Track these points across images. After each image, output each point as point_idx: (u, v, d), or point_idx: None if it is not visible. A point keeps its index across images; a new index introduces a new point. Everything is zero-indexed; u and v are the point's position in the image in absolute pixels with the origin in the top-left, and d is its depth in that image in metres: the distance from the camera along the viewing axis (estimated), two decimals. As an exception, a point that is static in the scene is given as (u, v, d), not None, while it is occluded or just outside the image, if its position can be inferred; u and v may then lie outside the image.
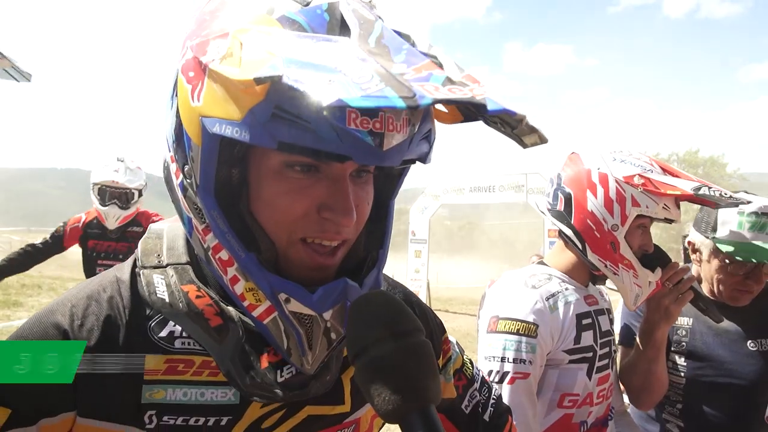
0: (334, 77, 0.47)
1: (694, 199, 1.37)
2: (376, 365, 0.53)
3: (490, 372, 1.40)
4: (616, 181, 1.41)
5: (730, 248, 1.63)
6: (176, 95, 0.63)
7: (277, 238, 0.64)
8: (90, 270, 3.58)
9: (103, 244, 3.65)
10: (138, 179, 3.68)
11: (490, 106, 0.45)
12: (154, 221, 4.03)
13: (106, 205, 3.55)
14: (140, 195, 3.68)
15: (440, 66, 0.54)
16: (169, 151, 0.66)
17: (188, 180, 0.63)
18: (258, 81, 0.50)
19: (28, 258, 3.65)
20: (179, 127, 0.62)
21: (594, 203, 1.43)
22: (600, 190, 1.43)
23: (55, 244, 3.67)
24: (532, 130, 0.53)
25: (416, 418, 0.52)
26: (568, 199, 1.49)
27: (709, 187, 1.34)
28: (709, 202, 1.37)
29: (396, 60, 0.52)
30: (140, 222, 3.74)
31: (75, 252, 3.93)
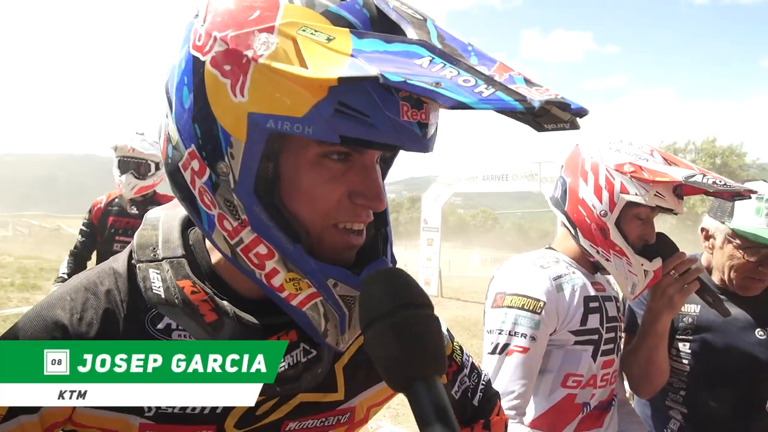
0: (435, 79, 0.49)
1: (692, 189, 1.38)
2: (389, 333, 0.55)
3: (492, 344, 1.43)
4: (606, 169, 1.44)
5: (746, 233, 1.62)
6: (195, 88, 0.61)
7: (312, 225, 0.65)
8: (107, 248, 3.63)
9: (122, 221, 3.73)
10: (156, 151, 3.74)
11: (573, 106, 0.49)
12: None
13: (123, 175, 3.66)
14: (157, 168, 3.75)
15: (507, 67, 0.55)
16: (186, 147, 0.64)
17: (223, 177, 0.62)
18: (342, 80, 0.51)
19: (79, 264, 3.76)
20: (212, 124, 0.61)
21: (585, 191, 1.48)
22: (591, 178, 1.47)
23: (92, 235, 3.76)
24: (571, 121, 0.53)
25: (422, 386, 0.54)
26: (564, 188, 1.55)
27: (704, 175, 1.33)
28: (702, 190, 1.37)
29: (472, 62, 0.54)
30: (160, 203, 3.79)
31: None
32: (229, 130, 0.60)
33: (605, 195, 1.44)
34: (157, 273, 0.70)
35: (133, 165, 3.68)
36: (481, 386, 1.05)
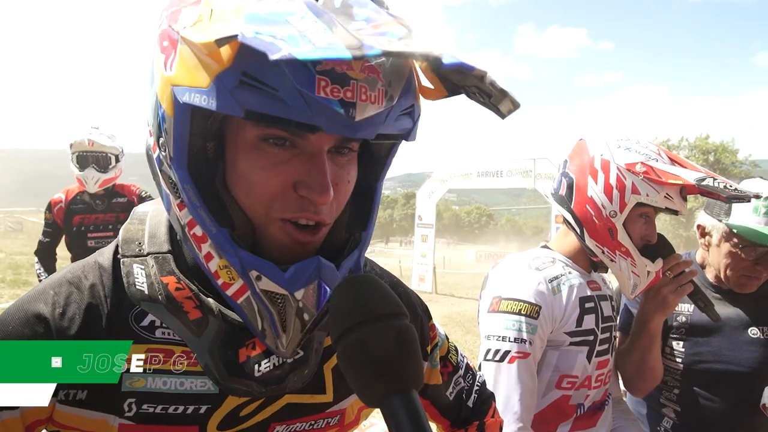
0: (286, 32, 0.45)
1: (698, 190, 1.36)
2: (357, 348, 0.52)
3: (491, 351, 1.41)
4: (618, 168, 1.41)
5: (744, 231, 1.62)
6: (150, 66, 0.62)
7: (254, 214, 0.62)
8: (80, 245, 3.65)
9: (90, 217, 3.73)
10: (113, 143, 3.78)
11: (445, 60, 0.44)
12: (134, 191, 3.84)
13: (84, 170, 3.65)
14: (117, 161, 3.77)
15: (407, 27, 0.51)
16: (148, 125, 0.65)
17: (163, 153, 0.62)
18: (218, 43, 0.48)
19: (48, 257, 3.79)
20: (155, 99, 0.61)
21: (594, 189, 1.44)
22: (601, 177, 1.43)
23: (56, 230, 3.77)
24: (502, 93, 0.51)
25: (397, 402, 0.51)
26: (570, 185, 1.50)
27: (714, 179, 1.32)
28: (713, 194, 1.35)
29: (357, 17, 0.51)
30: (123, 194, 3.86)
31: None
32: (163, 105, 0.59)
33: (616, 195, 1.40)
34: (141, 268, 0.69)
35: (93, 159, 3.68)
36: (476, 387, 1.04)
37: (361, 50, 0.42)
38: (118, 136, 3.93)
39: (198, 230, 0.62)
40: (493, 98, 0.52)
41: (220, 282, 0.64)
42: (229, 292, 0.63)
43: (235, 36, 0.46)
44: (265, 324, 0.64)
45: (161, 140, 0.61)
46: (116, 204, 3.82)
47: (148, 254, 0.71)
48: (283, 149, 0.59)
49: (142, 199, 3.81)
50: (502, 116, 0.54)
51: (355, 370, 0.53)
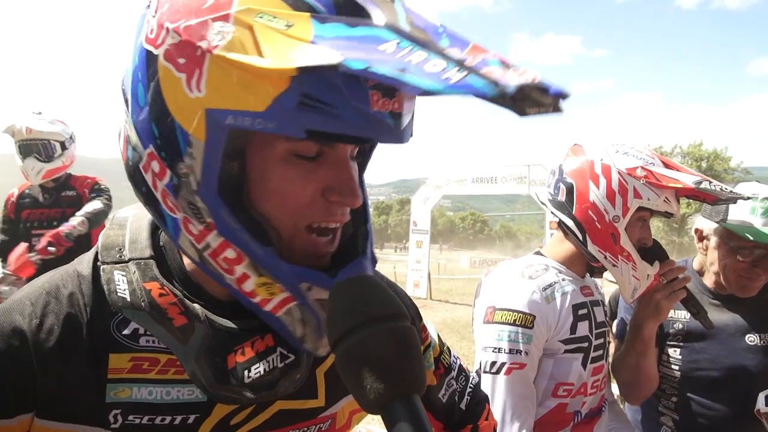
0: (401, 65, 0.44)
1: (695, 193, 1.37)
2: (356, 350, 0.51)
3: (487, 363, 1.41)
4: (619, 173, 1.41)
5: (741, 232, 1.62)
6: (150, 85, 0.57)
7: (282, 227, 0.62)
8: (25, 241, 3.33)
9: (35, 212, 3.48)
10: (56, 128, 3.46)
11: (552, 89, 0.44)
12: (88, 183, 3.58)
13: (25, 161, 3.37)
14: (64, 148, 3.46)
15: (481, 48, 0.51)
16: (145, 147, 0.60)
17: (184, 179, 0.59)
18: (303, 70, 0.46)
19: (6, 249, 3.48)
20: (169, 122, 0.57)
21: (596, 194, 1.43)
22: (602, 181, 1.42)
23: (12, 227, 3.52)
24: (554, 103, 0.51)
25: (399, 407, 0.49)
26: (569, 190, 1.49)
27: (710, 182, 1.34)
28: (710, 196, 1.38)
29: (443, 44, 0.49)
30: (74, 186, 3.56)
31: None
32: (187, 128, 0.55)
33: (619, 200, 1.40)
34: (122, 275, 0.66)
35: (35, 148, 3.37)
36: (469, 389, 1.03)
37: (502, 89, 0.42)
38: (69, 122, 3.57)
39: (230, 253, 0.61)
40: (527, 101, 0.52)
41: (257, 300, 0.62)
42: (268, 307, 0.63)
43: (335, 66, 0.44)
44: (308, 329, 0.64)
45: (180, 166, 0.58)
46: (64, 198, 3.48)
47: (130, 260, 0.68)
48: (311, 159, 0.60)
49: (96, 193, 3.53)
50: (524, 115, 0.54)
51: (354, 373, 0.51)
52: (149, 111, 0.58)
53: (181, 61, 0.54)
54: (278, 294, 0.62)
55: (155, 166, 0.60)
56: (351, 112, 0.52)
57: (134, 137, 0.61)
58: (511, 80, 0.43)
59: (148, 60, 0.57)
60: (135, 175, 0.63)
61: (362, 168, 0.72)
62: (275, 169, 0.59)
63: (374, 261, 0.71)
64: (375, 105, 0.52)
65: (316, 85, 0.51)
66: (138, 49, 0.58)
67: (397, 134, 0.55)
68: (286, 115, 0.51)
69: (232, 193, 0.59)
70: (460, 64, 0.45)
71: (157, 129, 0.58)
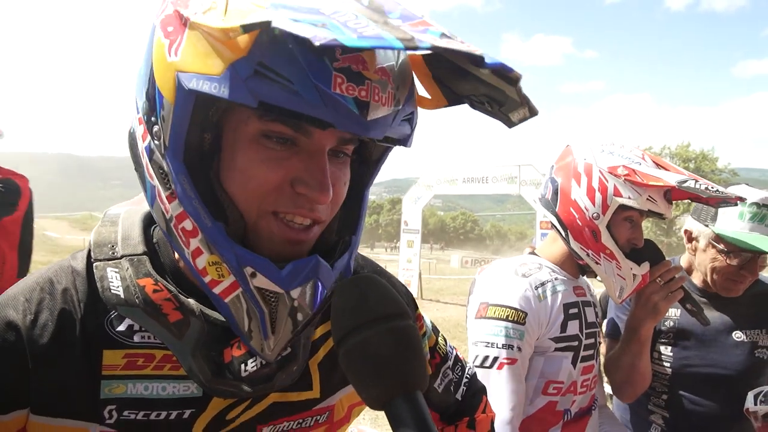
0: (327, 21, 0.44)
1: (685, 194, 1.38)
2: (361, 350, 0.52)
3: (479, 357, 1.42)
4: (600, 171, 1.43)
5: (730, 237, 1.63)
6: (147, 53, 0.60)
7: (246, 209, 0.60)
8: None
9: None
10: None
11: (487, 60, 0.44)
12: (9, 179, 3.58)
13: None
14: None
15: (441, 28, 0.52)
16: (138, 112, 0.62)
17: (156, 141, 0.59)
18: (245, 28, 0.46)
19: None
20: (152, 86, 0.58)
21: (577, 192, 1.46)
22: (584, 180, 1.45)
23: None
24: (524, 100, 0.51)
25: (402, 404, 0.51)
26: (555, 189, 1.52)
27: (696, 180, 1.34)
28: (694, 195, 1.38)
29: (391, 17, 0.50)
30: None
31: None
32: (162, 91, 0.56)
33: (598, 197, 1.42)
34: (115, 272, 0.66)
35: None
36: (465, 379, 1.02)
37: (413, 42, 0.42)
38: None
39: (188, 224, 0.59)
40: (506, 106, 0.52)
41: (207, 279, 0.60)
42: (217, 290, 0.60)
43: (268, 22, 0.44)
44: (253, 325, 0.61)
45: (155, 128, 0.59)
46: None
47: (123, 257, 0.67)
48: (284, 146, 0.58)
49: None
50: (512, 125, 0.54)
51: (358, 371, 0.53)
52: (142, 76, 0.60)
53: (170, 29, 0.56)
54: (227, 277, 0.60)
55: (140, 129, 0.62)
56: (310, 90, 0.50)
57: (135, 105, 0.63)
58: (431, 41, 0.43)
59: (153, 31, 0.59)
60: (132, 144, 0.65)
61: (367, 180, 0.71)
62: (244, 148, 0.58)
63: (348, 272, 0.68)
64: (337, 87, 0.50)
65: (274, 57, 0.49)
66: (151, 25, 0.61)
67: (361, 124, 0.53)
68: (239, 82, 0.50)
69: (199, 164, 0.59)
70: (383, 23, 0.45)
71: (144, 93, 0.60)
